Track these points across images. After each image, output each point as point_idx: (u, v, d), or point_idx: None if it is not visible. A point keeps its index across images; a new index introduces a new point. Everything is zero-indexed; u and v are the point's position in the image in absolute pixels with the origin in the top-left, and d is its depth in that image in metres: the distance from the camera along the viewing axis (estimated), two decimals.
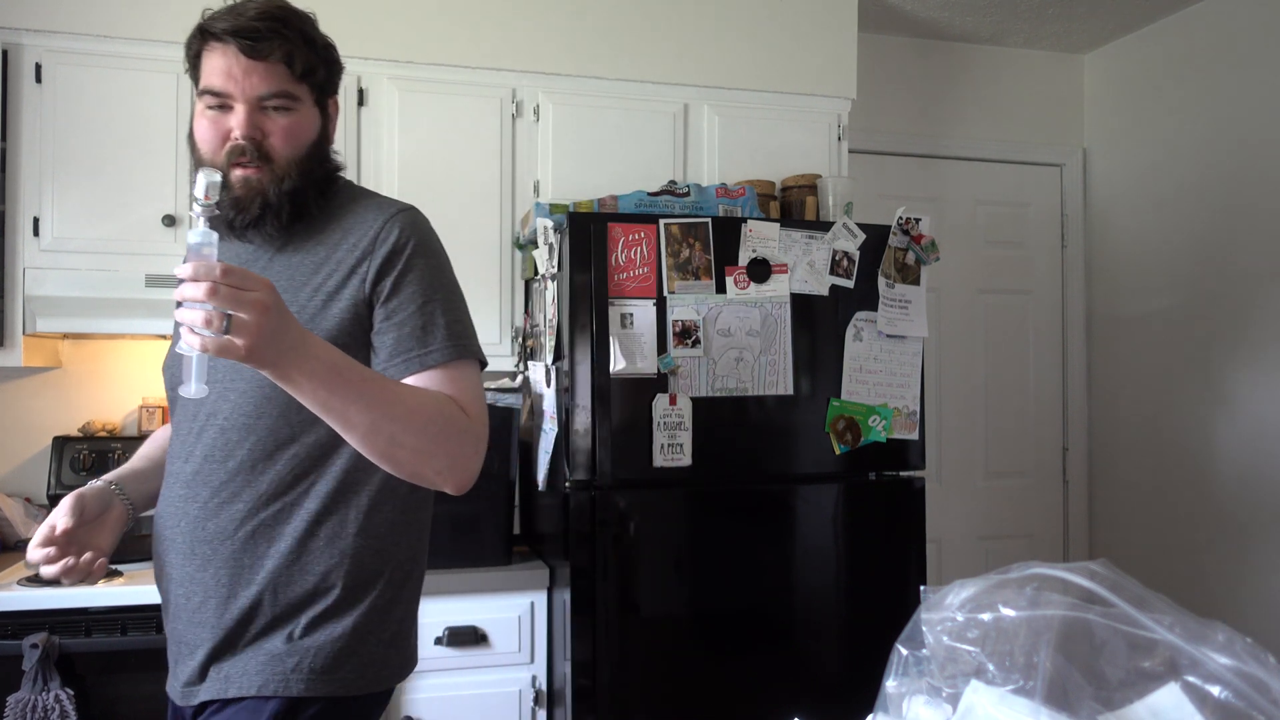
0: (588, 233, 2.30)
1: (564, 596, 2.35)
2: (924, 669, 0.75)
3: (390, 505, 1.34)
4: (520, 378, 2.63)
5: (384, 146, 2.70)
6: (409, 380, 1.27)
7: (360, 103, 2.68)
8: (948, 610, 0.74)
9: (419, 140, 2.71)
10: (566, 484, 2.33)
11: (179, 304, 1.02)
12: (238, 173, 1.27)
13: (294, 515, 1.28)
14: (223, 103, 1.27)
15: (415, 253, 1.31)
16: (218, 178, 1.10)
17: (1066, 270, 3.82)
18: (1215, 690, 0.65)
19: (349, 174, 2.62)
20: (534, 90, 2.81)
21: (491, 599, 2.43)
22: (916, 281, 2.51)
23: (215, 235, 1.06)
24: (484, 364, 1.35)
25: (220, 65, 1.26)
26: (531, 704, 2.43)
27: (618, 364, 2.28)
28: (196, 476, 1.29)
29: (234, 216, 1.28)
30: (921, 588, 0.79)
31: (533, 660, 2.45)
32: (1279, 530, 3.01)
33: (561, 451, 2.37)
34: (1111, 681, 0.68)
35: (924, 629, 0.75)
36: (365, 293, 1.29)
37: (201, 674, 1.28)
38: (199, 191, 1.09)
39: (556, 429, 2.40)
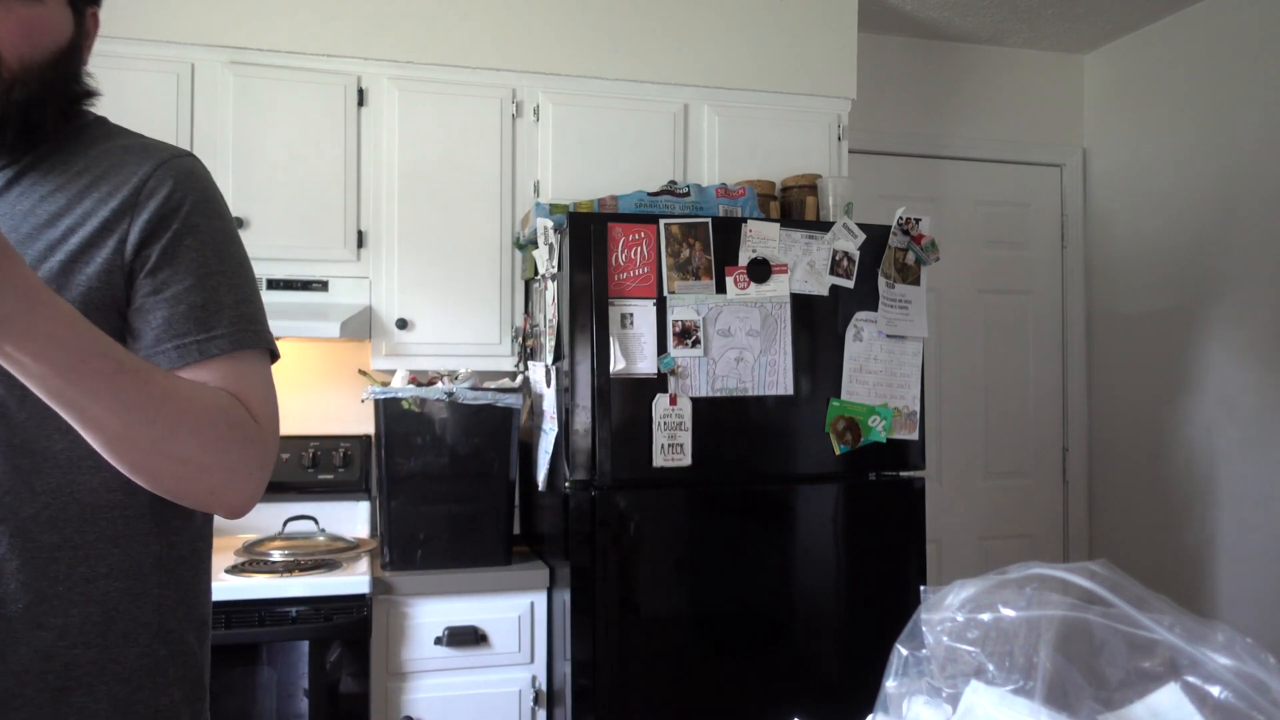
0: (588, 233, 2.30)
1: (564, 597, 2.35)
2: (924, 669, 0.75)
3: (157, 535, 1.03)
4: (520, 378, 2.63)
5: (384, 146, 2.70)
6: (182, 373, 0.98)
7: (360, 103, 2.68)
8: (948, 610, 0.74)
9: (419, 140, 2.72)
10: (566, 484, 2.33)
11: None
12: None
13: (15, 547, 0.95)
14: None
15: (195, 211, 1.02)
16: None
17: (1066, 270, 3.82)
18: (1215, 690, 0.64)
19: (349, 175, 2.68)
20: (534, 90, 2.81)
21: (491, 599, 2.43)
22: (916, 281, 2.51)
23: None
24: (276, 356, 1.07)
25: None
26: (531, 704, 2.43)
27: (618, 364, 2.28)
28: None
29: None
30: (921, 588, 0.79)
31: (533, 660, 2.45)
32: (1278, 529, 3.02)
33: (561, 451, 2.37)
34: (1111, 681, 0.68)
35: (924, 629, 0.75)
36: (125, 259, 0.98)
37: None
38: None
39: (557, 429, 2.40)
